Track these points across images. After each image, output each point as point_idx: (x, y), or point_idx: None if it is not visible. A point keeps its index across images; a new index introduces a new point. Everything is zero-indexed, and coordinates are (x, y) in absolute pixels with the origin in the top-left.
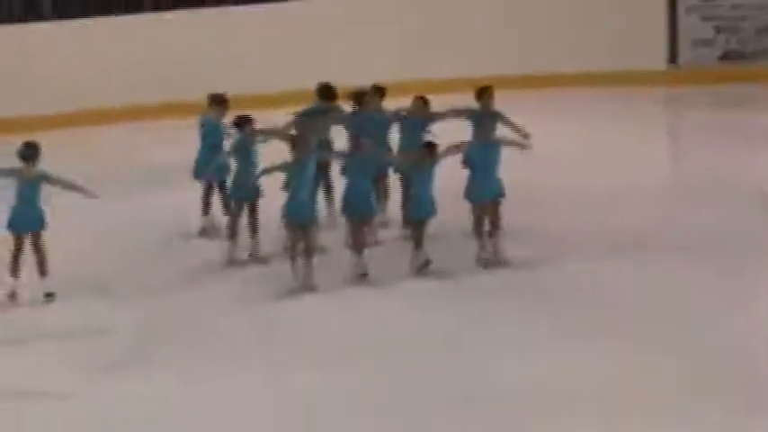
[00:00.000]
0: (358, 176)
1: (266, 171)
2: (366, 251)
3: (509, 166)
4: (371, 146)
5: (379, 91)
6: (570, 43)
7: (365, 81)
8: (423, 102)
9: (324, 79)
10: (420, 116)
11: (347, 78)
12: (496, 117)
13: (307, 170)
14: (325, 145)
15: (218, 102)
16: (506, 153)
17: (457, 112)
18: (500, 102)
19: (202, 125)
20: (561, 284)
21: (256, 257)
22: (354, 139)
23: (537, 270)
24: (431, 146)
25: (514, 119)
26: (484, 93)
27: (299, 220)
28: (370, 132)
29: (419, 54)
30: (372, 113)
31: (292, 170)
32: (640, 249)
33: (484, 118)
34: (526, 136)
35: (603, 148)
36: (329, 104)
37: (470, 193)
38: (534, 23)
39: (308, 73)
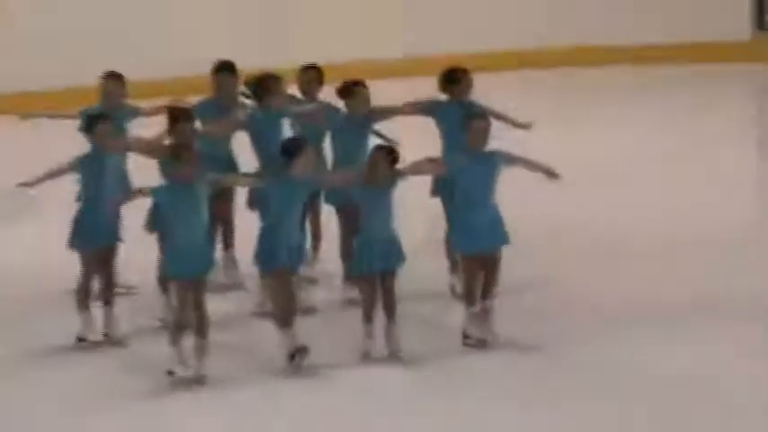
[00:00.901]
0: (281, 209)
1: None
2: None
3: (517, 189)
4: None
5: (313, 74)
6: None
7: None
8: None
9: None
10: (363, 113)
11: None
12: (475, 111)
13: (195, 200)
14: (227, 162)
15: None
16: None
17: (417, 107)
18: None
19: None
20: (574, 377)
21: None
22: (263, 151)
23: (548, 356)
24: (388, 153)
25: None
26: (457, 77)
27: (189, 274)
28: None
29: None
30: (288, 109)
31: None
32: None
33: (459, 114)
34: (525, 126)
35: (665, 160)
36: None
37: (455, 238)
38: None
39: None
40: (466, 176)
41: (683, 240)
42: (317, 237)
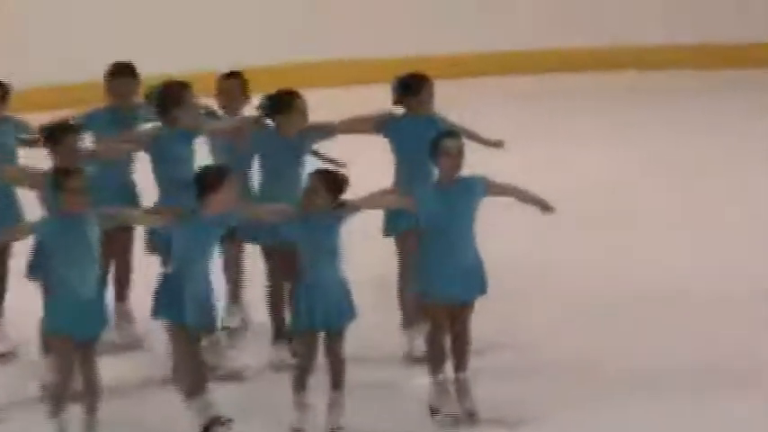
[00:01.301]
0: (188, 254)
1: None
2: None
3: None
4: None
5: (235, 82)
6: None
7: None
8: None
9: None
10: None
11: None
12: (437, 126)
13: (85, 238)
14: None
15: None
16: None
17: (363, 123)
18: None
19: None
20: None
21: None
22: (166, 179)
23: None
24: (330, 179)
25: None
26: (416, 87)
27: (76, 331)
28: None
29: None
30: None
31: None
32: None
33: (418, 132)
34: (497, 145)
35: (683, 194)
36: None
37: (423, 284)
38: None
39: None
40: (439, 212)
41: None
42: (237, 284)
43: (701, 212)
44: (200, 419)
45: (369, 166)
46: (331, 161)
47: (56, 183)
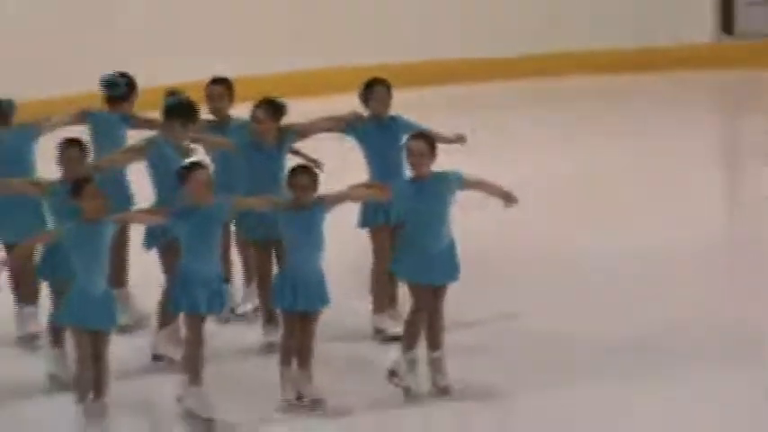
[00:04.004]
0: (194, 244)
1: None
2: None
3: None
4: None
5: (222, 88)
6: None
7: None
8: (274, 108)
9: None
10: (267, 136)
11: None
12: (400, 126)
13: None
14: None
15: None
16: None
17: (331, 124)
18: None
19: None
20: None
21: None
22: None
23: (500, 405)
24: (307, 173)
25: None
26: (370, 89)
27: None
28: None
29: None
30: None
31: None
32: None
33: (377, 131)
34: (459, 140)
35: (633, 184)
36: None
37: (405, 267)
38: None
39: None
40: (413, 203)
41: (642, 264)
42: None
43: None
44: (196, 407)
45: (342, 162)
46: (311, 160)
47: (73, 192)
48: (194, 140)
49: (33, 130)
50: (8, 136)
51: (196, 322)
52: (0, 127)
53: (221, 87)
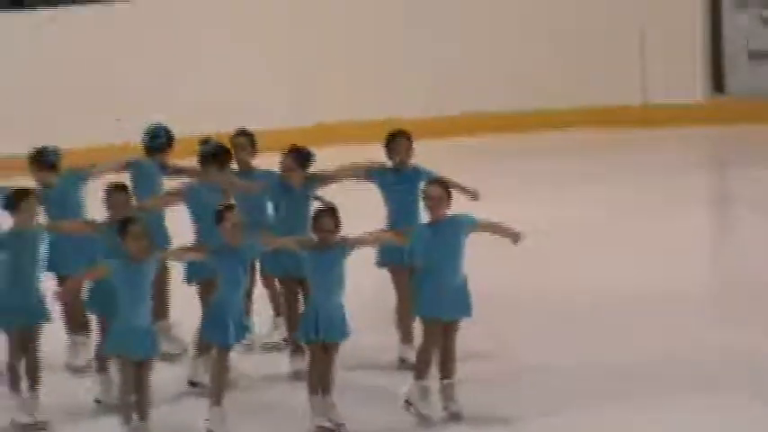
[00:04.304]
0: (227, 279)
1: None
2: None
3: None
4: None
5: (245, 139)
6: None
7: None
8: (301, 156)
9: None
10: (295, 181)
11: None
12: (420, 175)
13: (147, 278)
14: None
15: None
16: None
17: (355, 171)
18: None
19: None
20: None
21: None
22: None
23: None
24: (332, 215)
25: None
26: (391, 140)
27: (135, 353)
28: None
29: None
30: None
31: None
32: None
33: (397, 179)
34: (476, 196)
35: (631, 228)
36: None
37: (419, 303)
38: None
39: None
40: (430, 245)
41: (639, 301)
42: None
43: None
44: (214, 426)
45: (357, 208)
46: (325, 202)
47: (119, 232)
48: (226, 185)
49: (81, 176)
50: (58, 181)
51: (224, 353)
52: (50, 173)
53: (245, 138)
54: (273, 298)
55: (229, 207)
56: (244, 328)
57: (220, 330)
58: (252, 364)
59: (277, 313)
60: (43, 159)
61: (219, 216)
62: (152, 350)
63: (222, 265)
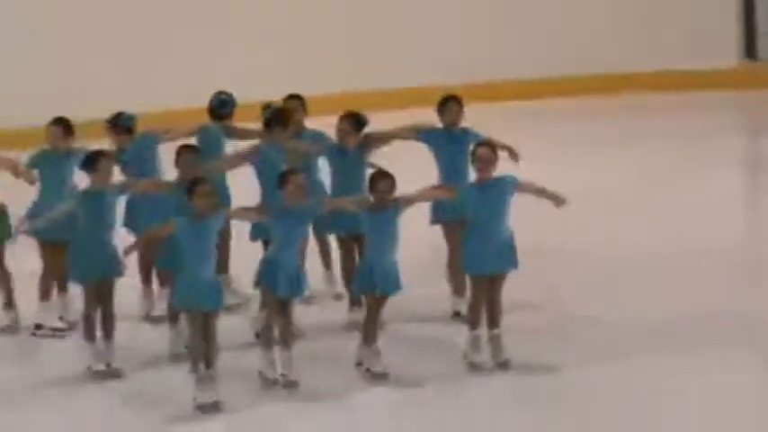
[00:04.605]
0: (284, 237)
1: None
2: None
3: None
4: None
5: (296, 103)
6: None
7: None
8: (356, 121)
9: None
10: (350, 142)
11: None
12: (468, 136)
13: (212, 235)
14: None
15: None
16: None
17: (410, 132)
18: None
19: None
20: (576, 394)
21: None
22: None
23: (554, 378)
24: (387, 177)
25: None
26: (443, 104)
27: (201, 304)
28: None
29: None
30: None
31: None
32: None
33: (447, 140)
34: (514, 156)
35: (667, 190)
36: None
37: (466, 260)
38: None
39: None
40: (477, 203)
41: (678, 259)
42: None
43: (678, 202)
44: (275, 368)
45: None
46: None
47: (187, 191)
48: (289, 146)
49: (155, 139)
50: (133, 144)
51: (272, 299)
52: (126, 137)
53: (297, 102)
54: (325, 254)
55: (293, 171)
56: (299, 283)
57: (270, 280)
58: (311, 315)
59: (327, 268)
60: (120, 123)
61: (283, 179)
62: (218, 302)
63: (280, 225)
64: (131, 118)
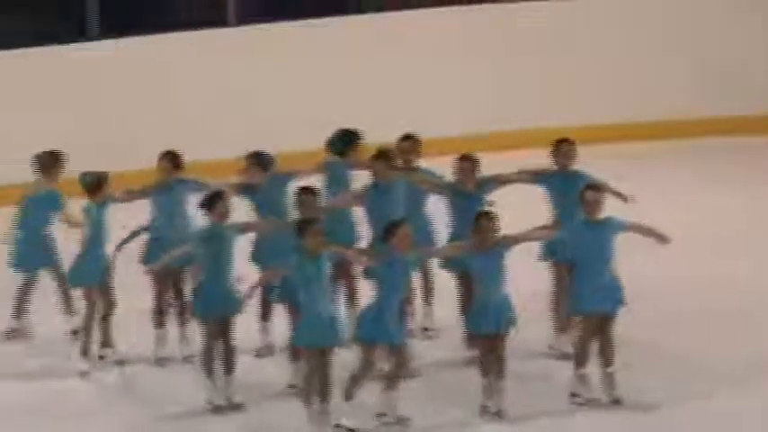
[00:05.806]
0: (387, 287)
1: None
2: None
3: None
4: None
5: (410, 144)
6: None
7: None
8: (471, 163)
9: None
10: (469, 184)
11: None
12: (580, 179)
13: (322, 273)
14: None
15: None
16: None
17: (526, 176)
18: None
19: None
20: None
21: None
22: (376, 225)
23: (661, 413)
24: (492, 219)
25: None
26: (557, 147)
27: (320, 342)
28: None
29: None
30: (397, 181)
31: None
32: None
33: (561, 183)
34: (627, 200)
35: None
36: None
37: (574, 299)
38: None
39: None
40: (583, 243)
41: None
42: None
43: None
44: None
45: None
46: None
47: (298, 231)
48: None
49: (287, 178)
50: (267, 183)
51: (376, 348)
52: (263, 174)
53: (410, 143)
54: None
55: (400, 222)
56: (399, 329)
57: (381, 328)
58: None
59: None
60: (260, 161)
61: (389, 231)
62: (335, 339)
63: (385, 272)
64: (270, 157)
